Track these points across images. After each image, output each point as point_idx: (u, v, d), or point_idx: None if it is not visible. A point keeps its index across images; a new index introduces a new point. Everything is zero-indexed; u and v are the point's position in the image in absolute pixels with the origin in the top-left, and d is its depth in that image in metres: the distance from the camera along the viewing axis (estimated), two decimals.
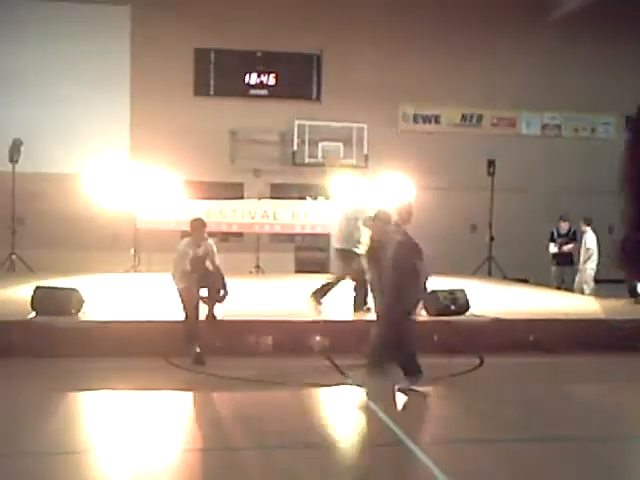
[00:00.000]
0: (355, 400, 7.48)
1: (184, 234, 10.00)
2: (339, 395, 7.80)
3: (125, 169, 16.00)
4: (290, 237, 18.22)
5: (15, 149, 16.12)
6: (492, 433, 6.34)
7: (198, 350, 8.67)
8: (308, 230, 16.86)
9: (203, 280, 8.94)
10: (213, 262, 9.13)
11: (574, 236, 14.62)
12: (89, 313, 9.85)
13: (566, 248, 14.46)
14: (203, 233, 9.17)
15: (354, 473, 5.53)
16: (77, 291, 9.96)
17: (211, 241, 9.29)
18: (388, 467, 5.76)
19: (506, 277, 16.85)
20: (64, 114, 17.39)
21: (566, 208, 15.58)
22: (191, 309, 8.84)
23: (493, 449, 5.94)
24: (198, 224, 9.25)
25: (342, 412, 7.21)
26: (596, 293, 13.78)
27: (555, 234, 14.82)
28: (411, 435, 6.12)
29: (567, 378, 8.61)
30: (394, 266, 7.38)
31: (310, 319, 9.78)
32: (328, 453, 5.93)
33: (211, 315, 9.15)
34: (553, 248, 14.73)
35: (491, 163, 17.84)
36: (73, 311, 9.62)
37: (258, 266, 16.82)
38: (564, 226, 14.73)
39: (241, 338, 9.25)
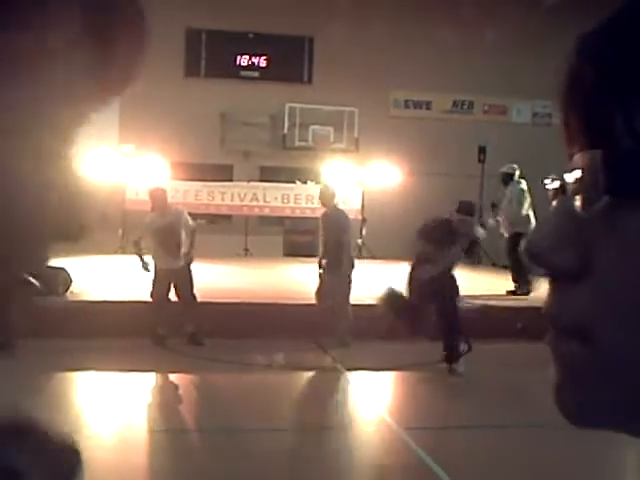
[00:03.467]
0: (341, 383, 7.50)
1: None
2: (325, 378, 7.82)
3: (114, 149, 15.91)
4: (279, 220, 18.17)
5: None
6: (479, 419, 6.36)
7: (191, 330, 8.61)
8: (298, 213, 16.86)
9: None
10: (187, 232, 8.77)
11: None
12: (77, 293, 9.81)
13: None
14: (165, 202, 8.93)
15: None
16: (65, 270, 9.91)
17: (182, 210, 9.09)
18: (374, 450, 5.78)
19: (495, 264, 16.87)
20: None
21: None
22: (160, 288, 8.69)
23: (481, 434, 5.97)
24: (159, 192, 9.03)
25: (325, 396, 7.22)
26: None
27: None
28: (397, 419, 6.14)
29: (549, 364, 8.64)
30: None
31: (296, 302, 9.78)
32: (306, 437, 5.94)
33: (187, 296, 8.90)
34: None
35: (482, 150, 17.83)
36: (60, 291, 9.57)
37: (247, 249, 16.78)
38: None
39: (228, 320, 9.22)
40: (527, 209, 11.65)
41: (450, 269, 7.76)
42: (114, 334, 8.55)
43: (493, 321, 9.56)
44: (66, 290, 9.71)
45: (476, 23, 19.14)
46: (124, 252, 15.43)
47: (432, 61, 18.97)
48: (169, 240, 8.58)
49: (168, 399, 7.00)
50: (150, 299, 8.73)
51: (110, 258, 14.65)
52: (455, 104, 19.68)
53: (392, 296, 7.85)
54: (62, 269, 9.92)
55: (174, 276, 8.64)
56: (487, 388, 7.45)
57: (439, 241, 7.68)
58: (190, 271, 8.78)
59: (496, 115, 19.75)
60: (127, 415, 6.19)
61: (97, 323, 8.79)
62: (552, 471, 5.21)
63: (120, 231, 15.92)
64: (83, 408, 6.60)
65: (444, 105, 19.69)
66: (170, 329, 8.58)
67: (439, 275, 7.58)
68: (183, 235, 8.74)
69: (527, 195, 11.76)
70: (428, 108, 19.64)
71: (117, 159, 15.73)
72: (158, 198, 8.84)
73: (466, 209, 8.14)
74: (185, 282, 8.72)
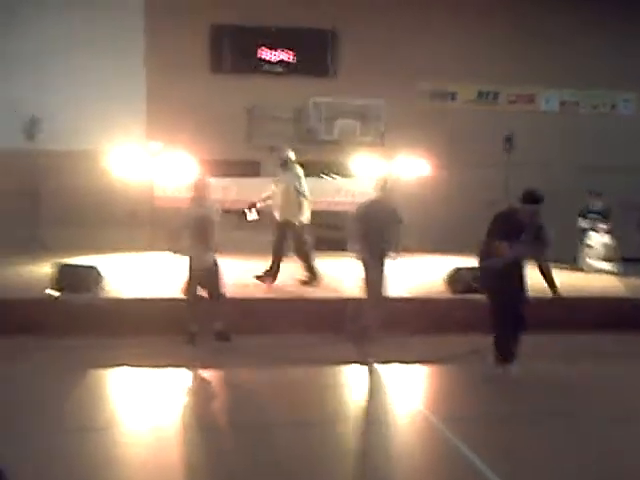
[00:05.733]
0: (371, 377, 7.47)
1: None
2: (357, 373, 7.79)
3: (142, 146, 15.98)
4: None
5: (32, 126, 16.10)
6: (515, 409, 6.30)
7: (220, 327, 8.63)
8: (324, 207, 16.81)
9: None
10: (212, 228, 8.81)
11: (607, 213, 14.42)
12: (108, 290, 9.88)
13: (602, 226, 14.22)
14: (208, 193, 8.96)
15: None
16: (96, 268, 9.99)
17: (216, 204, 9.12)
18: (413, 443, 5.75)
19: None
20: (79, 91, 17.30)
21: (589, 185, 15.39)
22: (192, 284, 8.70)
23: (517, 426, 5.91)
24: (203, 183, 9.06)
25: (360, 389, 7.20)
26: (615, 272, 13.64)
27: (586, 211, 14.63)
28: (433, 411, 6.10)
29: (585, 356, 8.55)
30: None
31: (329, 297, 9.78)
32: (341, 430, 5.92)
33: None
34: (583, 224, 14.51)
35: (508, 140, 17.66)
36: (92, 288, 9.65)
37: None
38: (596, 202, 14.55)
39: (258, 316, 9.23)
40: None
41: (519, 261, 7.61)
42: (145, 331, 8.62)
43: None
44: (97, 288, 9.79)
45: (501, 12, 18.97)
46: (153, 249, 15.51)
47: (457, 52, 18.81)
48: (204, 231, 8.59)
49: (202, 395, 7.02)
50: (183, 296, 8.75)
51: (139, 255, 14.73)
52: (480, 94, 19.50)
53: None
54: (93, 267, 10.01)
55: (206, 272, 8.64)
56: (523, 379, 7.39)
57: (506, 233, 7.57)
58: (219, 267, 8.79)
59: (524, 104, 19.54)
60: (160, 411, 6.21)
61: (128, 320, 8.85)
62: (588, 462, 5.15)
63: (149, 228, 15.99)
64: (118, 404, 6.63)
65: (469, 95, 19.51)
66: (201, 326, 8.60)
67: (505, 267, 7.45)
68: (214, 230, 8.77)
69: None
70: (454, 99, 19.48)
71: (145, 157, 15.78)
72: (201, 188, 8.88)
73: (531, 197, 7.93)
74: (215, 279, 8.73)
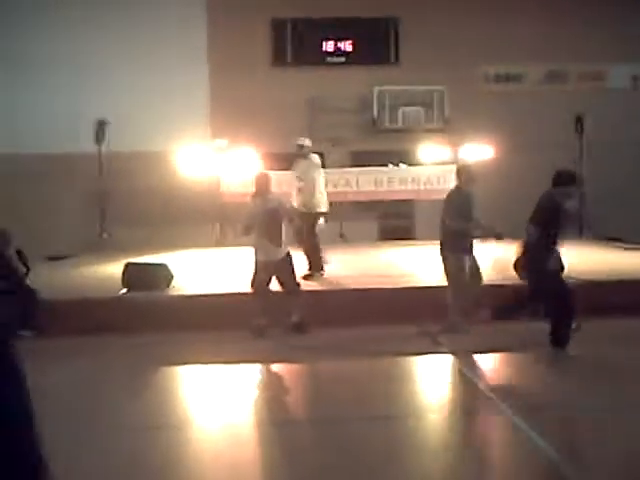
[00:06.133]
0: (449, 368, 7.36)
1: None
2: (432, 363, 7.69)
3: (207, 144, 16.13)
4: (372, 204, 18.00)
5: (100, 129, 16.41)
6: (590, 401, 6.11)
7: (261, 323, 8.57)
8: (392, 196, 16.69)
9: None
10: (290, 217, 8.79)
11: None
12: (179, 288, 9.99)
13: None
14: (269, 187, 8.94)
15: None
16: (166, 266, 10.12)
17: (284, 198, 9.11)
18: (487, 436, 5.63)
19: (597, 237, 16.28)
20: (144, 92, 17.55)
21: None
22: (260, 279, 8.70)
23: (593, 417, 5.73)
24: (260, 177, 9.05)
25: (435, 381, 7.10)
26: None
27: None
28: (506, 401, 5.97)
29: None
30: None
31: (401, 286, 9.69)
32: (417, 423, 5.84)
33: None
34: None
35: (579, 119, 17.22)
36: (163, 286, 9.78)
37: (342, 234, 16.75)
38: None
39: (330, 307, 9.18)
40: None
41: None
42: (217, 327, 8.67)
43: (601, 297, 9.20)
44: (168, 285, 9.91)
45: None
46: (222, 245, 15.66)
47: (521, 32, 18.40)
48: (272, 226, 8.58)
49: (274, 390, 7.02)
50: (250, 290, 8.77)
51: (208, 252, 14.87)
52: (548, 74, 19.04)
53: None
54: (163, 265, 10.13)
55: (276, 266, 8.64)
56: (596, 367, 7.18)
57: (545, 220, 7.43)
58: (292, 259, 8.77)
59: (592, 82, 19.00)
60: (233, 407, 6.23)
61: (199, 316, 8.93)
62: None
63: (217, 225, 16.15)
64: (190, 402, 6.68)
65: (536, 76, 19.08)
66: (270, 319, 8.60)
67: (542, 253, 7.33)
68: (285, 223, 8.75)
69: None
70: (519, 81, 19.08)
71: (210, 155, 15.93)
72: (262, 183, 8.88)
73: (566, 179, 7.76)
74: (288, 271, 8.71)
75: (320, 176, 10.98)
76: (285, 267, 8.67)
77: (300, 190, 10.67)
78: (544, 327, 7.55)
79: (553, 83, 19.01)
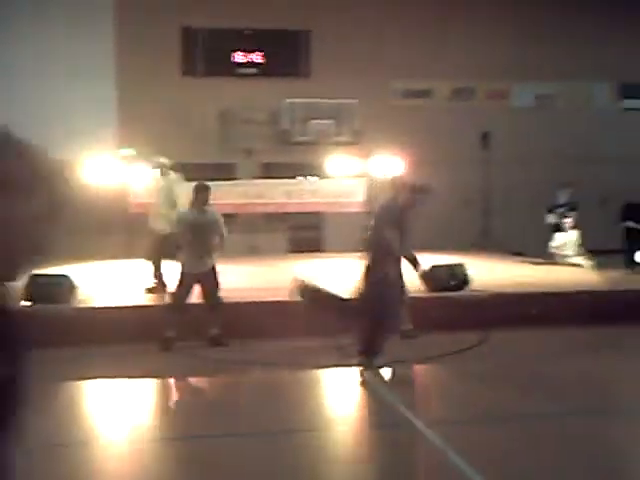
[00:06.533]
0: (357, 381, 7.35)
1: None
2: (339, 376, 7.67)
3: (114, 153, 15.78)
4: (282, 216, 18.00)
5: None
6: (500, 411, 6.21)
7: (216, 332, 8.45)
8: (303, 209, 16.74)
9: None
10: (220, 233, 8.61)
11: (574, 206, 14.43)
12: (82, 300, 9.69)
13: (567, 220, 14.20)
14: (207, 199, 8.75)
15: None
16: (69, 278, 9.80)
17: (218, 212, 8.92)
18: (396, 449, 5.64)
19: (501, 251, 16.70)
20: (48, 98, 17.06)
21: (563, 179, 15.38)
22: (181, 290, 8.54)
23: (503, 428, 5.81)
24: (199, 187, 8.80)
25: (343, 393, 7.08)
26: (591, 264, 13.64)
27: (553, 204, 14.63)
28: (417, 414, 6.00)
29: (570, 351, 8.48)
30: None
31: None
32: (324, 437, 5.80)
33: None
34: (551, 219, 14.52)
35: (485, 136, 17.68)
36: (66, 299, 9.46)
37: (253, 246, 16.67)
38: (563, 196, 14.56)
39: (239, 320, 9.07)
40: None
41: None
42: (121, 340, 8.44)
43: (507, 308, 9.41)
44: (71, 297, 9.60)
45: (471, 8, 18.95)
46: (128, 256, 15.31)
47: (430, 49, 18.80)
48: (204, 238, 8.42)
49: (181, 404, 6.88)
50: (169, 300, 8.59)
51: (115, 263, 14.52)
52: (455, 91, 19.49)
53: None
54: (66, 277, 9.82)
55: (201, 278, 8.48)
56: (505, 377, 7.31)
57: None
58: (217, 273, 8.63)
59: (498, 100, 19.53)
60: (137, 423, 6.06)
61: (103, 329, 8.67)
62: (578, 459, 5.06)
63: (124, 235, 15.80)
64: (94, 418, 6.47)
65: (444, 92, 19.49)
66: (179, 333, 8.43)
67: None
68: (217, 236, 8.60)
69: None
70: (428, 96, 19.45)
71: (118, 164, 15.59)
72: (201, 194, 8.67)
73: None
74: (213, 284, 8.58)
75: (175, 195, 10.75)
76: (210, 280, 8.54)
77: (155, 208, 10.64)
78: (456, 339, 7.66)
79: (460, 100, 19.46)
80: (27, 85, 16.96)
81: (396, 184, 8.73)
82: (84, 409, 6.87)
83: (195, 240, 8.41)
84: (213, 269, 8.58)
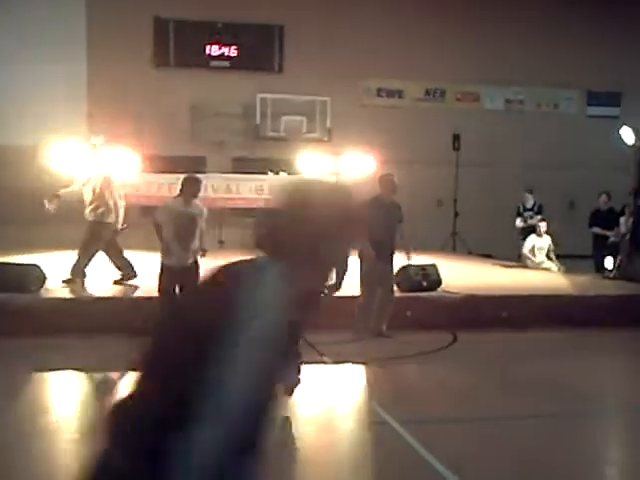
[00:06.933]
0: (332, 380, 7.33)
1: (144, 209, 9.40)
2: (313, 374, 7.64)
3: (83, 141, 15.52)
4: (251, 211, 17.88)
5: None
6: (468, 411, 6.23)
7: None
8: (268, 205, 16.61)
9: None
10: (202, 227, 8.39)
11: (540, 210, 14.62)
12: (51, 290, 9.53)
13: (532, 222, 14.41)
14: (196, 191, 8.46)
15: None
16: (37, 267, 9.63)
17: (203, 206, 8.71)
18: (371, 445, 5.63)
19: (471, 252, 16.82)
20: (17, 83, 16.77)
21: (530, 183, 15.54)
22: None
23: (470, 428, 5.84)
24: (189, 179, 8.56)
25: (317, 391, 7.05)
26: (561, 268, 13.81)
27: (521, 208, 14.81)
28: (390, 413, 5.99)
29: (539, 354, 8.56)
30: None
31: None
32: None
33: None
34: (520, 222, 14.70)
35: (456, 137, 17.77)
36: (33, 288, 9.29)
37: (221, 241, 16.54)
38: (529, 200, 14.75)
39: None
40: None
41: None
42: (90, 330, 8.30)
43: (478, 310, 9.47)
44: (40, 287, 9.44)
45: (444, 9, 19.03)
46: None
47: (403, 49, 18.83)
48: (188, 231, 8.22)
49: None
50: (158, 294, 8.41)
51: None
52: (427, 92, 19.57)
53: None
54: (35, 266, 9.64)
55: (182, 273, 8.30)
56: (475, 378, 7.35)
57: None
58: (199, 268, 8.45)
59: (469, 102, 19.67)
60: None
61: (72, 320, 8.54)
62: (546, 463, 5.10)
63: None
64: (62, 409, 6.36)
65: (416, 93, 19.57)
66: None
67: None
68: (200, 230, 8.43)
69: None
70: (400, 97, 19.51)
71: (86, 152, 15.34)
72: (191, 186, 8.47)
73: None
74: (194, 279, 8.39)
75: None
76: (192, 274, 8.38)
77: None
78: (427, 339, 7.68)
79: (432, 101, 19.55)
80: None
81: (383, 183, 8.79)
82: (49, 400, 6.75)
83: (179, 233, 8.23)
84: (196, 263, 8.43)
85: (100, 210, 10.23)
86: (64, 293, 9.52)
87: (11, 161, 15.96)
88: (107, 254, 10.41)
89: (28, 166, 15.56)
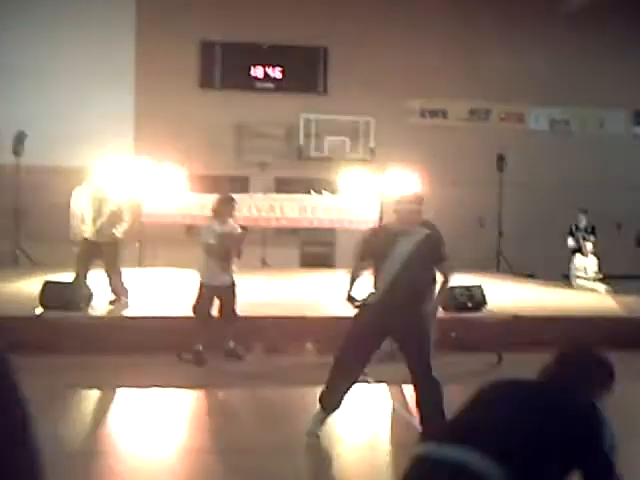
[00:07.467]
0: (376, 399, 7.30)
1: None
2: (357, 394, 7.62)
3: (130, 161, 15.77)
4: (294, 231, 17.97)
5: (19, 142, 15.90)
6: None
7: (200, 349, 8.34)
8: (316, 224, 16.65)
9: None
10: (238, 247, 8.48)
11: (593, 230, 14.39)
12: (98, 308, 9.67)
13: (588, 245, 14.10)
14: (231, 210, 8.66)
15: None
16: (86, 285, 9.78)
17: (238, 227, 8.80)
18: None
19: (514, 272, 16.66)
20: (68, 105, 17.14)
21: (576, 203, 15.37)
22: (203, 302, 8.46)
23: None
24: (226, 199, 8.72)
25: (361, 411, 7.03)
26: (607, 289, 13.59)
27: (574, 228, 14.57)
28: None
29: None
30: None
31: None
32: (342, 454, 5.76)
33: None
34: (571, 242, 14.45)
35: (501, 158, 17.66)
36: (82, 306, 9.44)
37: (265, 261, 16.64)
38: (583, 220, 14.52)
39: (251, 336, 9.04)
40: None
41: None
42: (139, 350, 8.42)
43: (523, 331, 9.36)
44: (87, 305, 9.58)
45: (490, 31, 19.01)
46: (142, 265, 15.31)
47: (447, 69, 18.85)
48: (226, 251, 8.33)
49: (203, 417, 6.83)
50: (193, 314, 8.52)
51: (128, 271, 14.46)
52: (472, 112, 19.52)
53: None
54: (83, 284, 9.80)
55: (222, 292, 8.42)
56: None
57: None
58: (235, 287, 8.57)
59: (513, 123, 19.57)
60: (160, 434, 6.02)
61: (120, 338, 8.66)
62: None
63: (137, 244, 15.77)
64: (108, 427, 6.43)
65: (460, 113, 19.53)
66: (208, 345, 8.39)
67: None
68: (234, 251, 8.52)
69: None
70: (444, 116, 19.49)
71: (133, 173, 15.58)
72: (225, 206, 8.59)
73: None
74: (232, 298, 8.52)
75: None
76: (230, 294, 8.49)
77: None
78: (473, 359, 7.60)
79: (476, 121, 19.49)
80: (48, 93, 17.06)
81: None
82: (96, 417, 6.82)
83: (217, 252, 8.33)
84: (233, 284, 8.53)
85: (122, 227, 10.33)
86: (110, 312, 9.65)
87: (60, 182, 16.23)
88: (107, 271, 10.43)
89: (77, 186, 15.82)
